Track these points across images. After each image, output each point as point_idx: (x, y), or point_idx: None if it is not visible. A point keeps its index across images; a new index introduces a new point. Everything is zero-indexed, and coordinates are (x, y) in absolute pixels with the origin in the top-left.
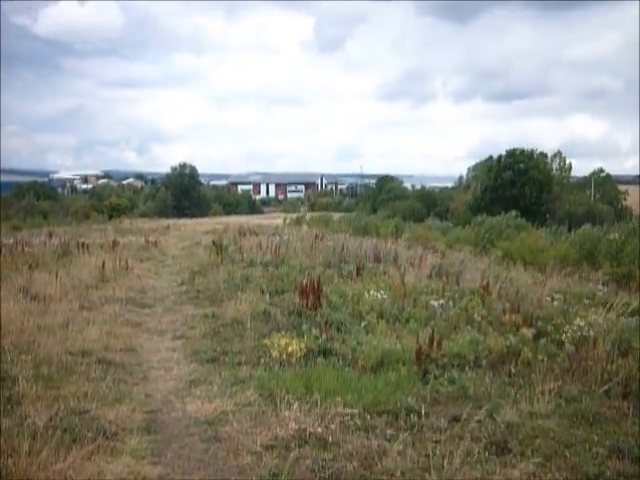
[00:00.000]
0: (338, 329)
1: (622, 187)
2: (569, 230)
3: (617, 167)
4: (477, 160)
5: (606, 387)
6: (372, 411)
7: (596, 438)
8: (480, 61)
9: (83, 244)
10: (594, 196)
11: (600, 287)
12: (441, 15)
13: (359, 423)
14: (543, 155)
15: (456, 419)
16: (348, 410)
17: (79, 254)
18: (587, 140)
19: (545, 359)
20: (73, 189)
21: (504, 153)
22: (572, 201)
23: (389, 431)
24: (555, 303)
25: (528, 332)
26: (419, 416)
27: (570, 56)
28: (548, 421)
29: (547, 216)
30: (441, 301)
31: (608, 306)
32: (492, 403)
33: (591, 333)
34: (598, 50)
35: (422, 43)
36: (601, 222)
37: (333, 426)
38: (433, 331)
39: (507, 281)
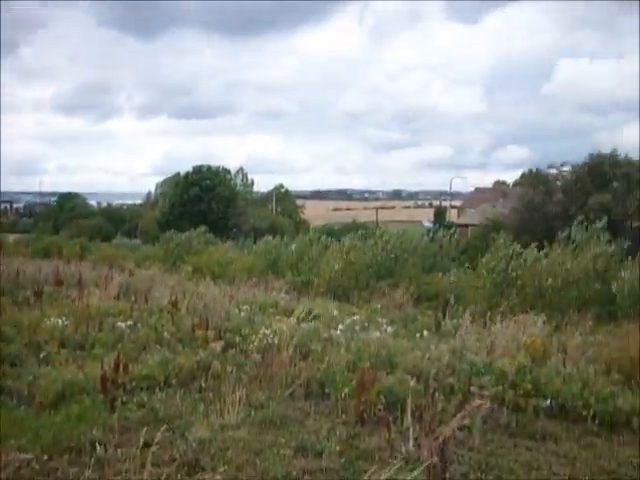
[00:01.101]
0: (12, 364)
1: (300, 201)
2: (255, 242)
3: (294, 183)
4: (164, 176)
5: (290, 390)
6: (52, 451)
7: (283, 440)
8: (165, 78)
9: None
10: (276, 210)
11: (283, 295)
12: (125, 29)
13: (37, 468)
14: (227, 171)
15: (147, 444)
16: (23, 455)
17: None
18: (267, 158)
19: (234, 370)
20: None
21: (191, 170)
22: (256, 215)
23: (72, 470)
24: (242, 314)
25: (217, 345)
26: (106, 448)
27: (252, 79)
28: (239, 431)
29: (234, 230)
30: (129, 322)
31: (290, 313)
32: (183, 422)
33: (276, 340)
34: (276, 74)
35: (105, 56)
36: (282, 234)
37: (5, 477)
38: (119, 355)
39: (196, 296)
